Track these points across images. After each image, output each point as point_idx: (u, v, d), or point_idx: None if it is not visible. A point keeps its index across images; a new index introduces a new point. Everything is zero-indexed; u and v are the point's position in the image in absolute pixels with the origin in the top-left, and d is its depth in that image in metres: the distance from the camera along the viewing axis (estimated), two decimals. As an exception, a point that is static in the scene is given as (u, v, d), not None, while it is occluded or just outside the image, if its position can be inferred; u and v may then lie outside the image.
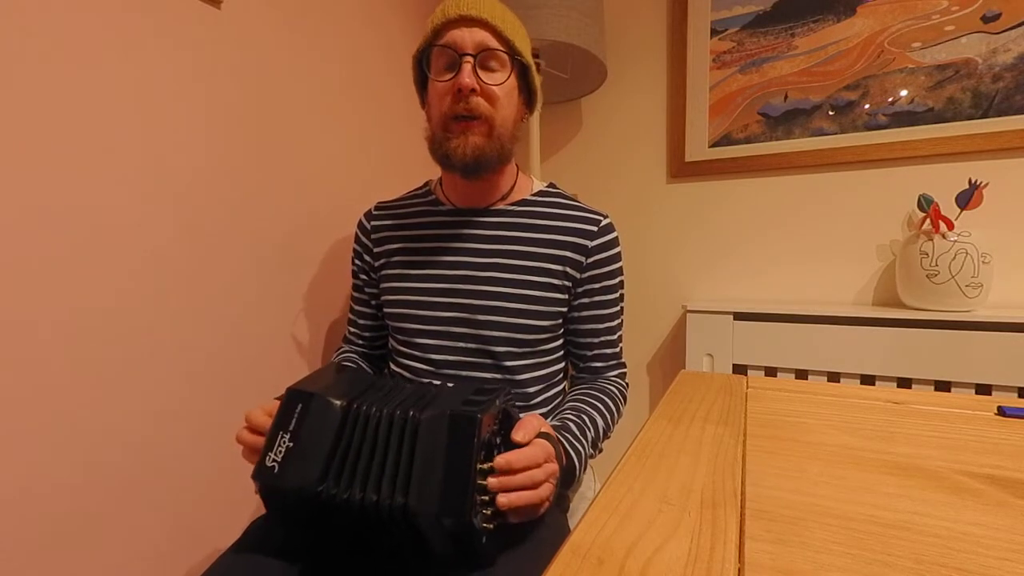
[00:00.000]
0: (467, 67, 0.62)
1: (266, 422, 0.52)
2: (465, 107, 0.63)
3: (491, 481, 0.46)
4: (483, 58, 0.64)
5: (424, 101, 0.72)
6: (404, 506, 0.44)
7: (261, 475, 0.47)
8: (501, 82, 0.64)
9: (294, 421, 0.47)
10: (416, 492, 0.44)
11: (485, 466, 0.46)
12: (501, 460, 0.47)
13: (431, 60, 0.67)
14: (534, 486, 0.49)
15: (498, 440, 0.51)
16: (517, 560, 0.51)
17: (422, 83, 0.71)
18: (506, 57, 0.65)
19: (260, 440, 0.53)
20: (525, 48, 0.68)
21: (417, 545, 0.47)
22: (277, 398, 0.58)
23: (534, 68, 0.70)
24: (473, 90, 0.62)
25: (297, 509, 0.48)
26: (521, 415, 0.55)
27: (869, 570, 0.28)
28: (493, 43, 0.64)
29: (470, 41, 0.63)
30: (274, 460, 0.47)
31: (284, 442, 0.47)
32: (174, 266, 0.75)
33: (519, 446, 0.50)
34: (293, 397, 0.49)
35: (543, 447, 0.51)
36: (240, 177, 0.85)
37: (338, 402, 0.48)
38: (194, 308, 0.78)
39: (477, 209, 0.73)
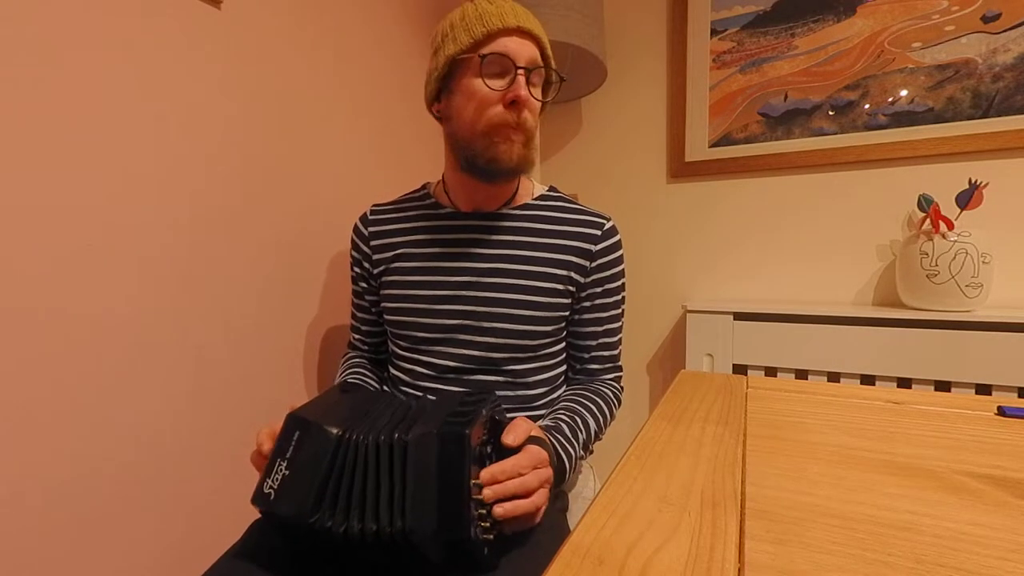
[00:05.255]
0: (522, 79, 0.63)
1: (269, 444, 0.53)
2: (517, 118, 0.63)
3: (486, 492, 0.47)
4: (533, 73, 0.65)
5: (439, 97, 0.69)
6: (402, 529, 0.44)
7: (259, 500, 0.47)
8: (545, 99, 0.68)
9: (291, 448, 0.47)
10: (412, 514, 0.44)
11: (479, 479, 0.46)
12: (486, 474, 0.47)
13: (480, 63, 0.63)
14: (528, 493, 0.49)
15: (489, 449, 0.51)
16: (518, 561, 0.51)
17: (446, 79, 0.67)
18: (554, 80, 0.69)
19: (265, 464, 0.53)
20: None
21: (417, 560, 0.47)
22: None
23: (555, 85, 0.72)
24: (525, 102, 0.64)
25: (295, 533, 0.49)
26: (510, 416, 0.55)
27: (869, 570, 0.28)
28: (540, 61, 0.66)
29: (524, 55, 0.64)
30: (271, 487, 0.46)
31: (281, 469, 0.47)
32: (175, 268, 0.75)
33: (511, 450, 0.51)
34: (292, 424, 0.48)
35: (530, 453, 0.51)
36: (241, 178, 0.85)
37: (334, 431, 0.47)
38: (198, 311, 0.78)
39: (479, 213, 0.73)
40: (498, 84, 0.63)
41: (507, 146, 0.64)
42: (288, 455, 0.47)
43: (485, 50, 0.63)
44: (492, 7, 0.64)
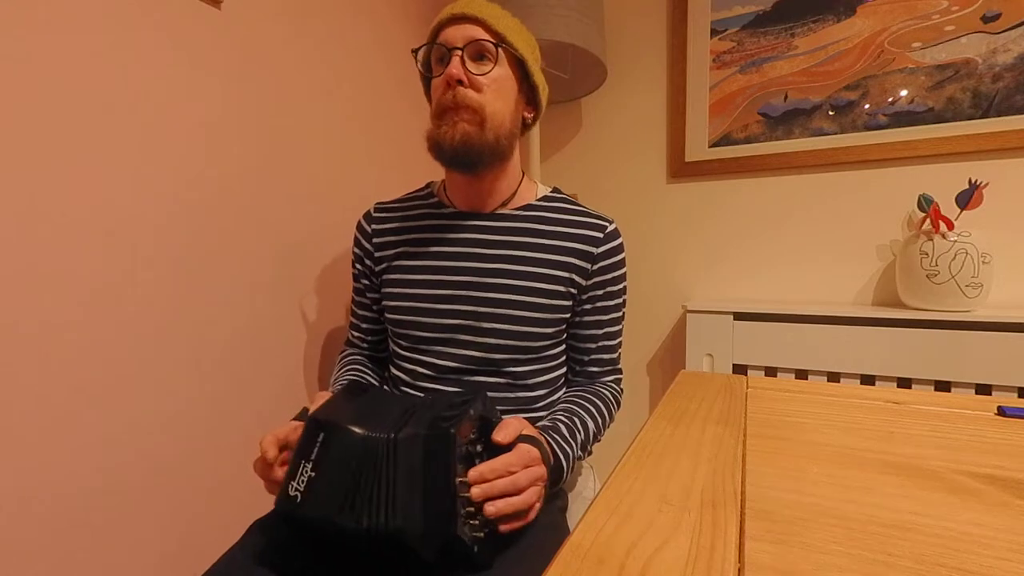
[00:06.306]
0: (455, 59, 0.63)
1: (274, 451, 0.53)
2: (453, 97, 0.64)
3: (474, 491, 0.47)
4: (472, 50, 0.65)
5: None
6: (395, 528, 0.45)
7: (284, 504, 0.47)
8: (487, 71, 0.65)
9: (316, 450, 0.47)
10: (402, 513, 0.45)
11: (467, 478, 0.46)
12: (474, 473, 0.47)
13: (429, 61, 0.69)
14: (518, 491, 0.49)
15: (479, 448, 0.51)
16: (517, 561, 0.51)
17: (427, 85, 0.72)
18: (493, 47, 0.65)
19: (270, 471, 0.53)
20: (521, 43, 0.67)
21: (413, 560, 0.48)
22: (295, 418, 0.58)
23: (532, 62, 0.69)
24: (461, 81, 0.63)
25: (319, 534, 0.49)
26: (503, 417, 0.55)
27: (869, 570, 0.28)
28: (482, 35, 0.65)
29: (460, 36, 0.65)
30: (296, 489, 0.46)
31: (306, 471, 0.47)
32: (175, 269, 0.75)
33: (502, 448, 0.51)
34: (315, 426, 0.48)
35: (520, 452, 0.51)
36: (241, 178, 0.85)
37: (359, 431, 0.48)
38: (197, 312, 0.78)
39: (481, 213, 0.73)
40: (439, 71, 0.66)
41: (448, 128, 0.64)
42: (313, 457, 0.47)
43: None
44: (448, 7, 0.67)
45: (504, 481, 0.48)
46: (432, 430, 0.46)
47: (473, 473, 0.47)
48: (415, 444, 0.46)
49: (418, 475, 0.45)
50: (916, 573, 0.28)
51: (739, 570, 0.28)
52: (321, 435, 0.48)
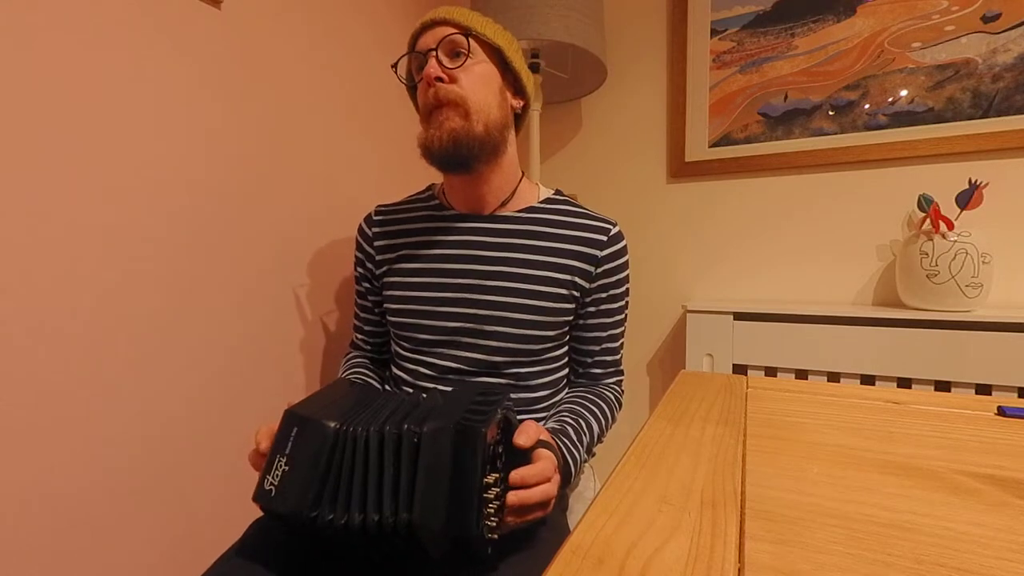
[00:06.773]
0: (431, 60, 0.64)
1: (267, 443, 0.53)
2: (434, 95, 0.64)
3: (511, 497, 0.47)
4: (446, 48, 0.65)
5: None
6: (408, 522, 0.44)
7: (261, 498, 0.46)
8: (460, 64, 0.65)
9: (290, 444, 0.47)
10: (420, 507, 0.44)
11: (490, 478, 0.45)
12: (516, 475, 0.47)
13: (411, 72, 0.71)
14: (548, 501, 0.50)
15: (500, 449, 0.51)
16: (517, 560, 0.51)
17: (414, 95, 0.72)
18: (465, 39, 0.65)
19: (263, 463, 0.53)
20: (492, 32, 0.67)
21: (417, 555, 0.47)
22: None
23: (510, 51, 0.68)
24: (439, 79, 0.63)
25: (297, 529, 0.49)
26: (520, 420, 0.55)
27: (869, 570, 0.28)
28: (451, 31, 0.65)
29: (432, 39, 0.66)
30: (271, 483, 0.46)
31: (281, 465, 0.46)
32: (175, 269, 0.75)
33: (521, 450, 0.51)
34: (289, 420, 0.48)
35: (552, 461, 0.51)
36: (241, 178, 0.85)
37: (332, 424, 0.47)
38: (198, 312, 0.78)
39: (483, 215, 0.73)
40: (420, 77, 0.67)
41: (435, 128, 0.65)
42: (287, 451, 0.47)
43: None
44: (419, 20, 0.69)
45: (539, 492, 0.48)
46: (463, 426, 0.45)
47: (515, 475, 0.47)
48: (442, 438, 0.45)
49: (444, 471, 0.44)
50: (916, 573, 0.28)
51: (739, 570, 0.28)
52: (294, 429, 0.47)
